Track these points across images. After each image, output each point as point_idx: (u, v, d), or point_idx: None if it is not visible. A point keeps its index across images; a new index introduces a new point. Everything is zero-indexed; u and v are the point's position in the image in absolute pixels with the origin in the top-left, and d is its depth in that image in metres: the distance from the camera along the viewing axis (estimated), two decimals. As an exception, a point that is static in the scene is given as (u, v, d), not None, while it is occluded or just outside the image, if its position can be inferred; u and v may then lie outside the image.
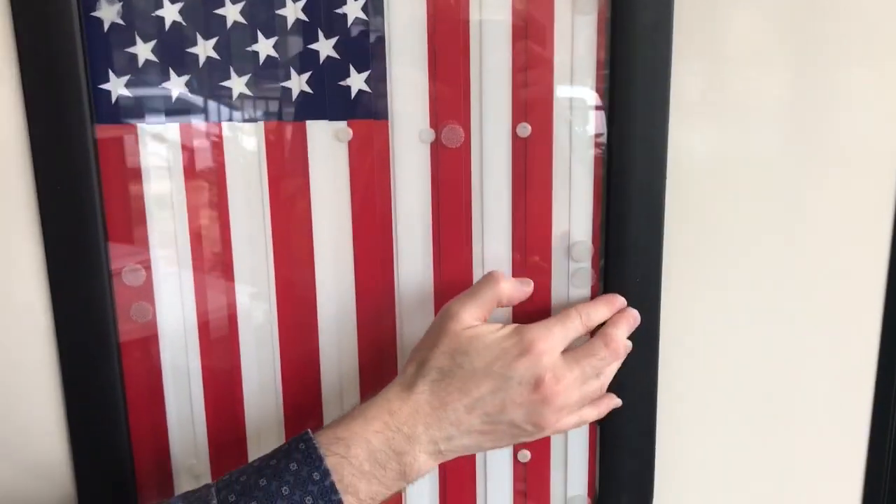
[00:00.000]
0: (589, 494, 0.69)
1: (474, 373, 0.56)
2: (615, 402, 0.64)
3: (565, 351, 0.59)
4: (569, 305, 0.63)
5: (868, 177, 0.65)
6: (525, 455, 0.69)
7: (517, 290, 0.62)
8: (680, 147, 0.62)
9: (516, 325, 0.59)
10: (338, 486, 0.52)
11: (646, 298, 0.64)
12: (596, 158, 0.62)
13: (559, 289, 0.65)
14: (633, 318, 0.63)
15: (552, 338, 0.58)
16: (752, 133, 0.63)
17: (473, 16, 0.60)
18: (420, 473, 0.56)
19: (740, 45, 0.62)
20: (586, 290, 0.65)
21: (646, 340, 0.65)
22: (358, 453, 0.53)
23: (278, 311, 0.64)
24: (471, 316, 0.58)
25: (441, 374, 0.57)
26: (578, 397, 0.59)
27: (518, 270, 0.64)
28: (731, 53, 0.62)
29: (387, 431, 0.55)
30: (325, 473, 0.52)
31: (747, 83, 0.62)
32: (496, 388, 0.56)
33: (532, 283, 0.63)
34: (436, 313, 0.64)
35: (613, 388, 0.64)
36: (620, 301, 0.63)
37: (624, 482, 0.68)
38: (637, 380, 0.65)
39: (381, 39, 0.60)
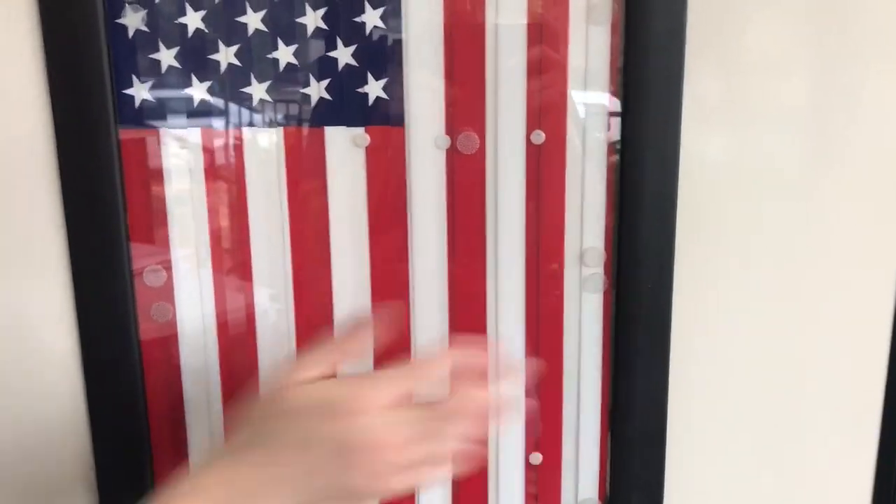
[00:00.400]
0: (600, 497, 0.70)
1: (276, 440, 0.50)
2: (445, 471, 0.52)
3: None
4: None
5: (883, 183, 0.65)
6: (537, 458, 0.69)
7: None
8: (692, 153, 0.63)
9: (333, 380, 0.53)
10: None
11: (657, 303, 0.65)
12: (609, 165, 0.63)
13: (571, 294, 0.66)
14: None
15: (377, 392, 0.50)
16: (766, 138, 0.64)
17: (489, 22, 0.61)
18: None
19: (754, 51, 0.63)
20: (598, 295, 0.66)
21: (657, 344, 0.65)
22: None
23: (295, 311, 0.65)
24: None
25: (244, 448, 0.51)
26: (406, 460, 0.50)
27: (531, 275, 0.65)
28: (745, 60, 0.63)
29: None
30: None
31: (761, 89, 0.63)
32: (311, 450, 0.49)
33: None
34: (450, 315, 0.65)
35: (626, 388, 0.65)
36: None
37: (635, 484, 0.69)
38: (648, 382, 0.66)
39: (398, 47, 0.61)
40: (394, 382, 0.51)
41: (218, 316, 0.65)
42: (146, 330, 0.64)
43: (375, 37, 0.61)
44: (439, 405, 0.51)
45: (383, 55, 0.61)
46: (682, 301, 0.65)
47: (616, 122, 0.62)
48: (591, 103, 0.62)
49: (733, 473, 0.71)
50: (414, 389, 0.51)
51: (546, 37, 0.61)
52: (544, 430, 0.69)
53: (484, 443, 0.62)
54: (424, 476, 0.51)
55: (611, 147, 0.63)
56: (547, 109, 0.62)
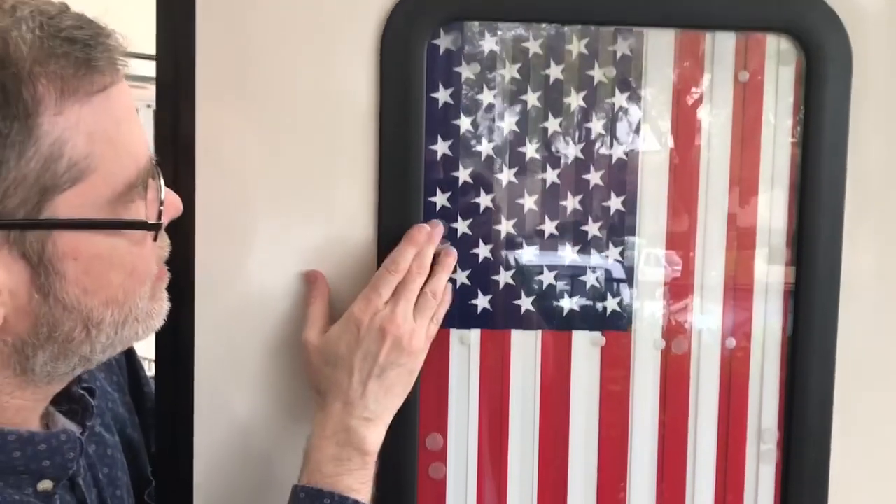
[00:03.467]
0: None
1: (348, 365, 0.74)
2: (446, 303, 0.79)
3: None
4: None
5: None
6: None
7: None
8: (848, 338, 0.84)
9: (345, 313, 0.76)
10: (340, 494, 0.71)
11: (818, 476, 0.83)
12: (782, 358, 0.84)
13: (751, 465, 0.85)
14: (446, 265, 0.79)
15: (369, 303, 0.75)
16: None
17: (697, 270, 0.83)
18: (372, 442, 0.74)
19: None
20: (771, 467, 0.85)
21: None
22: (328, 466, 0.72)
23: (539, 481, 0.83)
24: (314, 334, 0.76)
25: (328, 382, 0.75)
26: (420, 318, 0.75)
27: (721, 453, 0.84)
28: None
29: (332, 439, 0.73)
30: (338, 499, 0.71)
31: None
32: (365, 359, 0.74)
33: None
34: (658, 480, 0.84)
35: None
36: (422, 236, 0.77)
37: None
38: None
39: (630, 273, 0.83)
40: (402, 297, 0.75)
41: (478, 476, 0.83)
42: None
43: (614, 268, 0.83)
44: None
45: (620, 277, 0.83)
46: (838, 473, 0.84)
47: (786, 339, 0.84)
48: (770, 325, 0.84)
49: None
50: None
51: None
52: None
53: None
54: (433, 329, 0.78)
55: (784, 346, 0.84)
56: (739, 323, 0.84)
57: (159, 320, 0.64)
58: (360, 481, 0.73)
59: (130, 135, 0.57)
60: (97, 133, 0.54)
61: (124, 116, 0.56)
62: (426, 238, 0.77)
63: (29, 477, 0.59)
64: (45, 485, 0.60)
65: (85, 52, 0.53)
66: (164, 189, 0.60)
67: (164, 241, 0.64)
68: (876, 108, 0.83)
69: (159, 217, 0.59)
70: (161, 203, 0.60)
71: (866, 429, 0.85)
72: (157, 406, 0.80)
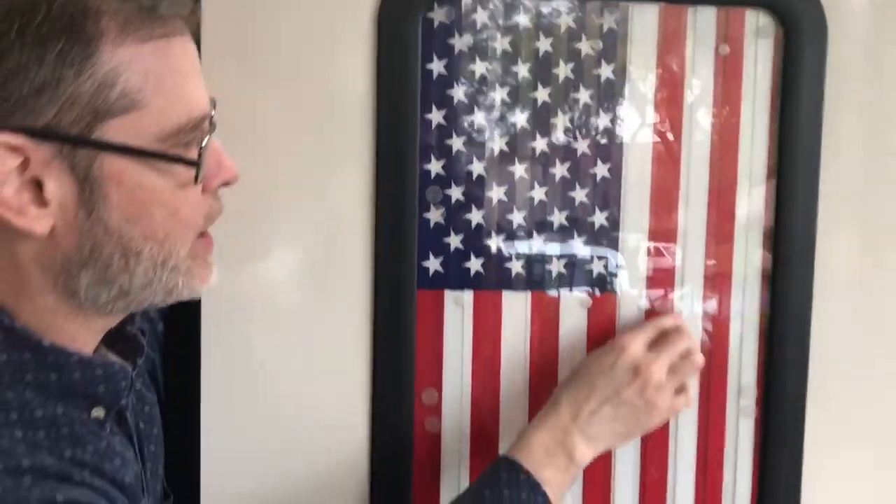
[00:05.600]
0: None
1: (593, 382, 0.81)
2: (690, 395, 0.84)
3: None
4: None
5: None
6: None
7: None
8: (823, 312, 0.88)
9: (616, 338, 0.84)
10: (536, 479, 0.75)
11: (794, 427, 0.88)
12: (761, 324, 0.88)
13: (731, 419, 0.89)
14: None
15: (634, 339, 0.82)
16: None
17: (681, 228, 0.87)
18: (582, 455, 0.78)
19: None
20: (750, 421, 0.89)
21: (794, 456, 0.88)
22: (537, 451, 0.77)
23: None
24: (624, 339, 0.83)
25: (569, 388, 0.82)
26: (669, 378, 0.81)
27: (702, 408, 0.89)
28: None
29: (551, 432, 0.79)
30: (532, 482, 0.75)
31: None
32: (609, 384, 0.80)
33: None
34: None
35: (771, 486, 0.87)
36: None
37: None
38: (787, 482, 0.88)
39: (616, 242, 0.87)
40: (666, 352, 0.82)
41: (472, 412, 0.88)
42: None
43: (600, 232, 0.87)
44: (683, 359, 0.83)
45: (606, 241, 0.87)
46: (814, 425, 0.88)
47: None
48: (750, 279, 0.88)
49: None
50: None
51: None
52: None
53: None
54: (684, 404, 0.83)
55: (762, 312, 0.88)
56: (721, 284, 0.88)
57: (202, 285, 0.66)
58: (557, 481, 0.77)
59: (185, 85, 0.60)
60: (152, 73, 0.58)
61: (182, 67, 0.60)
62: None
63: (85, 401, 0.62)
64: (98, 412, 0.63)
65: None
66: (221, 153, 0.64)
67: (217, 202, 0.66)
68: (850, 81, 0.87)
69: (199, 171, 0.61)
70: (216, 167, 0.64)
71: (840, 386, 0.90)
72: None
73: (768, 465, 0.89)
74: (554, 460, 0.78)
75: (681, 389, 0.83)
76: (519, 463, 0.76)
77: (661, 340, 0.84)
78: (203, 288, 0.66)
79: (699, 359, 0.84)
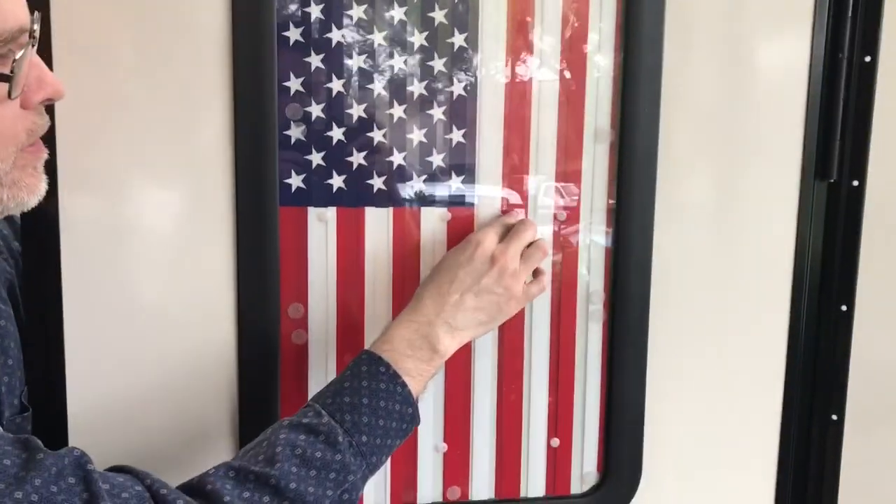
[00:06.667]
0: (598, 469, 0.99)
1: (454, 275, 0.85)
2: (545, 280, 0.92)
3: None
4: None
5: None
6: (555, 441, 0.98)
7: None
8: (662, 233, 0.95)
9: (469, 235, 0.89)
10: (395, 370, 0.78)
11: (638, 330, 0.96)
12: (607, 237, 0.95)
13: (581, 323, 0.96)
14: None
15: (487, 233, 0.87)
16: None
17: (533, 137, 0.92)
18: (446, 346, 0.82)
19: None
20: (598, 325, 0.96)
21: (638, 357, 0.96)
22: (399, 344, 0.81)
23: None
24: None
25: (431, 282, 0.86)
26: (524, 265, 0.87)
27: (554, 313, 0.95)
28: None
29: (414, 325, 0.82)
30: (391, 373, 0.78)
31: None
32: (469, 275, 0.85)
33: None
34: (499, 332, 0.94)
35: (619, 388, 0.95)
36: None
37: (623, 460, 0.98)
38: (632, 383, 0.96)
39: (472, 157, 0.91)
40: (515, 241, 0.87)
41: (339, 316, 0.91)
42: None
43: (458, 149, 0.91)
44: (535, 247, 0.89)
45: (462, 158, 0.91)
46: (656, 330, 0.96)
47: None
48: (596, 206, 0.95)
49: (695, 449, 1.01)
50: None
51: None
52: (562, 421, 0.97)
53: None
54: (538, 290, 0.90)
55: (608, 230, 0.95)
56: (568, 196, 0.94)
57: (32, 196, 0.65)
58: (419, 371, 0.81)
59: None
60: None
61: None
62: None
63: None
64: None
65: None
66: (43, 68, 0.63)
67: (41, 118, 0.65)
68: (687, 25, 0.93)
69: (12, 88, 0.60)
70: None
71: (680, 291, 0.98)
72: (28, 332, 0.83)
73: (615, 363, 0.97)
74: (417, 353, 0.81)
75: (536, 274, 0.90)
76: (378, 355, 0.80)
77: (510, 233, 0.89)
78: (32, 199, 0.65)
79: (545, 244, 0.91)
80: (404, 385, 0.79)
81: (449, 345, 0.83)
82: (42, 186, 0.66)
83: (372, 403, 0.76)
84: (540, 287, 0.90)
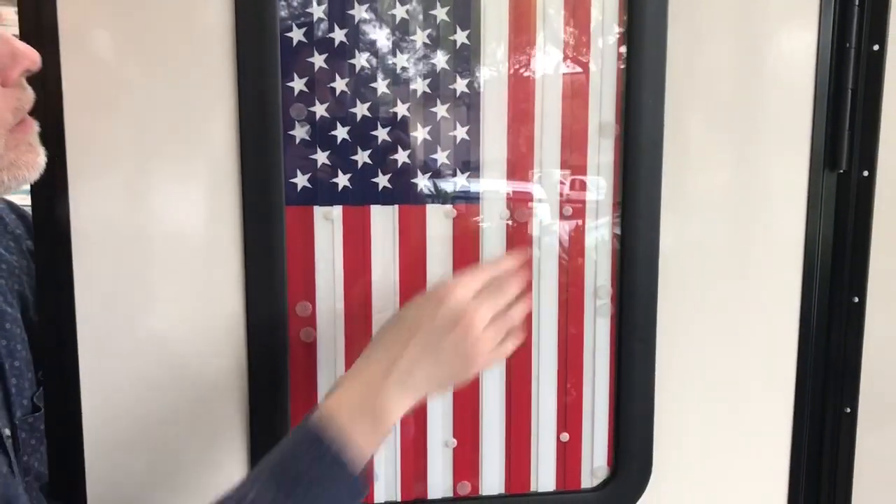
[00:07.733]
0: (608, 464, 0.99)
1: (408, 325, 0.77)
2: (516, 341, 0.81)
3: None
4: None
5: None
6: (565, 436, 0.98)
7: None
8: (669, 229, 0.95)
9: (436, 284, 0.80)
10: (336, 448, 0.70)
11: (646, 325, 0.95)
12: (613, 234, 0.95)
13: (589, 317, 0.96)
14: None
15: (458, 287, 0.77)
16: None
17: (537, 138, 0.92)
18: (391, 413, 0.73)
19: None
20: (606, 320, 0.96)
21: (647, 353, 0.96)
22: (343, 416, 0.72)
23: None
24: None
25: (387, 335, 0.78)
26: (494, 328, 0.77)
27: (562, 309, 0.95)
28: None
29: (360, 389, 0.74)
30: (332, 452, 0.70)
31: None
32: (430, 333, 0.75)
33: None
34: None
35: (627, 382, 0.95)
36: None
37: (633, 455, 0.98)
38: (641, 378, 0.96)
39: (476, 154, 0.91)
40: (490, 301, 0.78)
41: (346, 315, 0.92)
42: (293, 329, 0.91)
43: (462, 146, 0.91)
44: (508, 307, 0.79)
45: (466, 155, 0.91)
46: (665, 324, 0.96)
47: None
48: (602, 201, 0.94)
49: (706, 443, 1.01)
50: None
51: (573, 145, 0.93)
52: (571, 416, 0.98)
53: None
54: (504, 354, 0.79)
55: (614, 224, 0.95)
56: (575, 192, 0.93)
57: (32, 171, 0.64)
58: (365, 440, 0.73)
59: None
60: None
61: None
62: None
63: None
64: None
65: None
66: (12, 41, 0.61)
67: (24, 93, 0.64)
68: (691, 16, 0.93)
69: None
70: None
71: (689, 285, 0.98)
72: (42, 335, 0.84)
73: (624, 357, 0.97)
74: (361, 423, 0.73)
75: (503, 339, 0.80)
76: (321, 434, 0.72)
77: (488, 289, 0.79)
78: (33, 174, 0.64)
79: (518, 314, 0.81)
80: (344, 466, 0.71)
81: (396, 409, 0.75)
82: (40, 160, 0.65)
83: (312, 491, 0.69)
84: (503, 353, 0.80)
